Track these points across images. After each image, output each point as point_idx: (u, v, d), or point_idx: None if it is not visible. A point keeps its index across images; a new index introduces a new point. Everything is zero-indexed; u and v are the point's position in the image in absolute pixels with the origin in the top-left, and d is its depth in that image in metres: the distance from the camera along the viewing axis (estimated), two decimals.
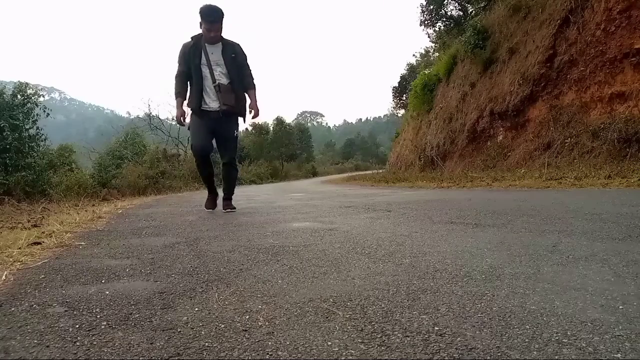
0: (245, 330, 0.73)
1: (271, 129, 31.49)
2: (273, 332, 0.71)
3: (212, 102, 3.06)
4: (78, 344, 0.69)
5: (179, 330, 0.74)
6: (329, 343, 0.66)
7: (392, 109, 27.04)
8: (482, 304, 0.80)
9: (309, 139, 41.28)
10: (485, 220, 2.00)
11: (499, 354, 0.59)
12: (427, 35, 19.83)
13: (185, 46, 3.09)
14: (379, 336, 0.68)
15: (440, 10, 15.19)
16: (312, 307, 0.84)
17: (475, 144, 9.45)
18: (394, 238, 1.61)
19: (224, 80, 3.06)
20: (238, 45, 3.16)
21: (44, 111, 9.26)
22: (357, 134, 72.82)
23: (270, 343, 0.67)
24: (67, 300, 0.94)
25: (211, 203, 3.35)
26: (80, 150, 16.80)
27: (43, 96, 9.96)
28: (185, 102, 3.17)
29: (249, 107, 3.18)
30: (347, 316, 0.77)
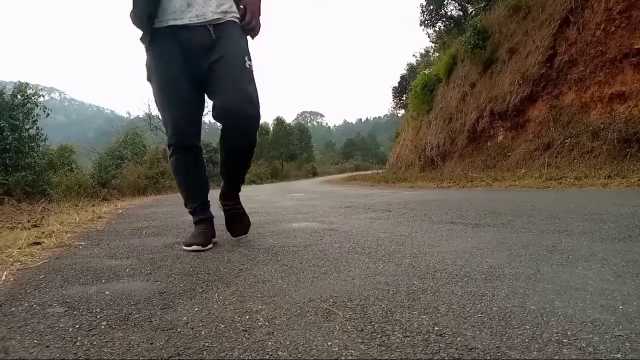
0: (245, 330, 0.73)
1: (271, 129, 31.52)
2: (273, 332, 0.71)
3: (186, 10, 1.44)
4: (78, 344, 0.70)
5: (179, 330, 0.74)
6: (329, 343, 0.66)
7: (392, 109, 27.03)
8: (482, 304, 0.80)
9: (309, 139, 41.31)
10: (485, 220, 2.00)
11: (499, 354, 0.59)
12: (427, 35, 19.89)
13: None
14: (379, 336, 0.68)
15: (440, 11, 15.21)
16: (312, 307, 0.84)
17: (475, 144, 9.45)
18: (394, 238, 1.61)
19: None
20: None
21: (44, 111, 9.26)
22: (357, 134, 72.82)
23: (270, 343, 0.67)
24: (67, 301, 0.94)
25: (207, 231, 1.60)
26: (80, 150, 16.82)
27: (43, 96, 9.97)
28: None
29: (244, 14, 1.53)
30: (347, 316, 0.77)
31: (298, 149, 34.66)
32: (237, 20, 1.52)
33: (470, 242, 1.46)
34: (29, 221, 3.10)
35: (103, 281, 1.12)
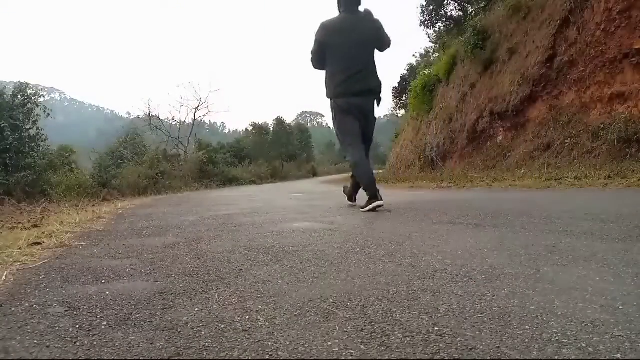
0: (245, 331, 0.73)
1: (271, 129, 31.50)
2: (273, 333, 0.71)
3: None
4: (78, 344, 0.70)
5: (179, 330, 0.74)
6: (329, 343, 0.66)
7: (392, 109, 26.94)
8: (482, 304, 0.80)
9: (309, 139, 41.29)
10: (485, 220, 1.99)
11: (499, 354, 0.59)
12: (427, 36, 19.81)
13: None
14: (378, 336, 0.68)
15: (440, 11, 15.19)
16: (312, 307, 0.84)
17: (475, 144, 9.45)
18: (394, 238, 1.61)
19: None
20: None
21: (44, 111, 9.27)
22: None
23: (270, 343, 0.67)
24: (67, 301, 0.94)
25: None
26: (80, 150, 16.81)
27: (43, 97, 9.98)
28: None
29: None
30: (347, 316, 0.77)
31: (298, 149, 34.66)
32: None
33: (470, 242, 1.46)
34: (29, 221, 3.10)
35: (103, 281, 1.12)
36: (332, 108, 2.93)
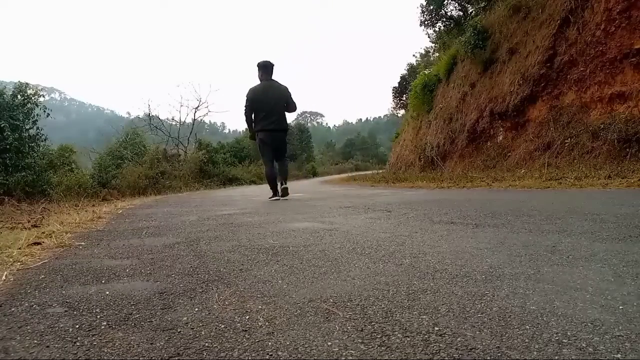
0: (245, 331, 0.73)
1: None
2: (273, 333, 0.71)
3: None
4: (78, 344, 0.70)
5: (179, 330, 0.74)
6: (329, 343, 0.66)
7: (392, 109, 26.93)
8: (482, 304, 0.80)
9: (309, 139, 41.32)
10: (485, 220, 1.99)
11: (499, 354, 0.59)
12: (427, 36, 19.80)
13: None
14: (379, 336, 0.68)
15: (440, 11, 15.18)
16: (312, 307, 0.84)
17: (475, 144, 9.45)
18: (394, 238, 1.61)
19: None
20: None
21: (44, 111, 9.25)
22: (357, 134, 72.82)
23: (270, 343, 0.67)
24: (67, 301, 0.94)
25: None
26: (80, 150, 16.78)
27: (43, 96, 9.93)
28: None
29: None
30: (347, 316, 0.77)
31: (298, 149, 34.67)
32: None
33: (470, 242, 1.46)
34: (29, 221, 3.09)
35: (103, 281, 1.12)
36: (257, 139, 4.72)
